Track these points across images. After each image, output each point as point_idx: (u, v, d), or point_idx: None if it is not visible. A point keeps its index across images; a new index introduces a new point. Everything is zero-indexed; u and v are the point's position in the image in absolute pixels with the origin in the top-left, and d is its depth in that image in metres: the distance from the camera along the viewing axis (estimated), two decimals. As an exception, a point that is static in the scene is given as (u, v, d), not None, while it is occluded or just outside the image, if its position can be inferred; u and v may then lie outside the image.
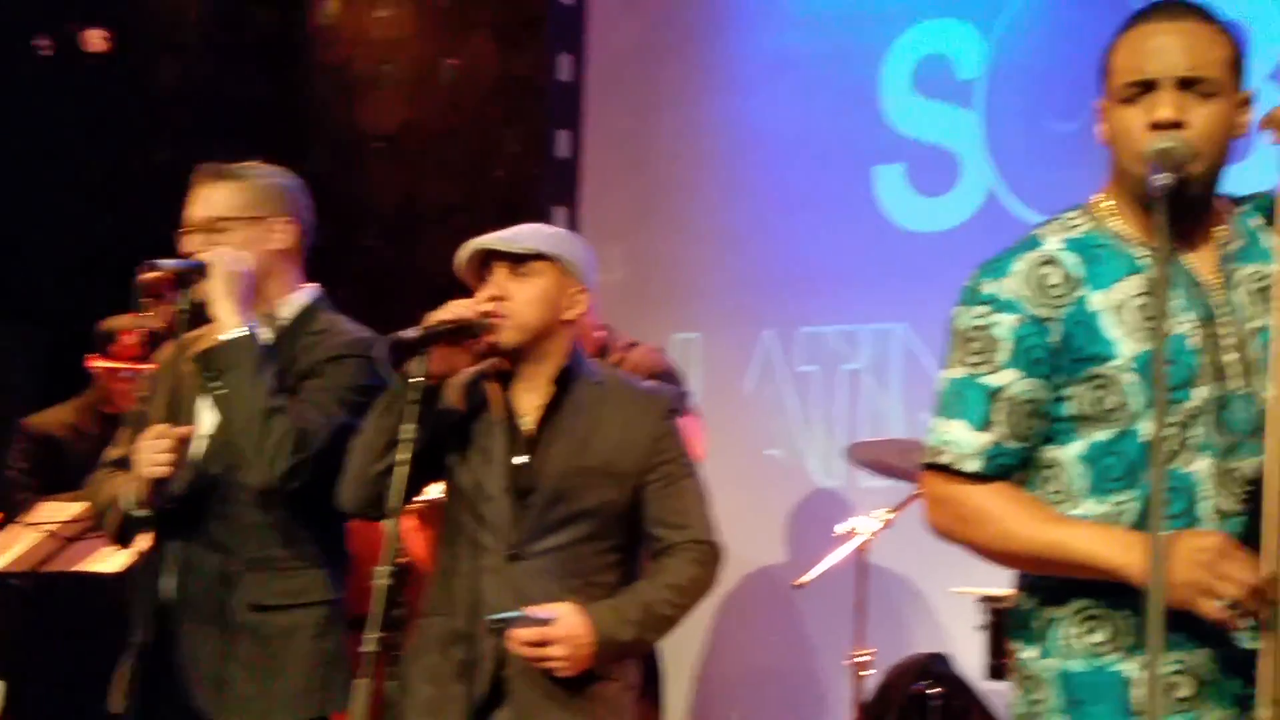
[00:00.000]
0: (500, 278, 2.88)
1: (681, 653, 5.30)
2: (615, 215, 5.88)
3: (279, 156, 3.29)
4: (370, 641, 2.66)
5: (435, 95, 6.01)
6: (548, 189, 5.89)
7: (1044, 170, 4.91)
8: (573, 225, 5.88)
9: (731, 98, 5.73)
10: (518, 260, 2.88)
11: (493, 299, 2.85)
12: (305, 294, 3.19)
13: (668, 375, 4.09)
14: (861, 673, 4.46)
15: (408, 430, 2.73)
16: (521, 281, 2.87)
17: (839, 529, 4.52)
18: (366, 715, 2.67)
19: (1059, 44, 4.85)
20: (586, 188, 5.98)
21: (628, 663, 2.92)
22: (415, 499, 3.01)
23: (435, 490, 2.98)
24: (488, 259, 2.90)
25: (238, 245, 3.05)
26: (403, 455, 2.73)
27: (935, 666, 4.70)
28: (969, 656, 4.46)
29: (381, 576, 2.69)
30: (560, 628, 2.74)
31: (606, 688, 2.85)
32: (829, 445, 5.21)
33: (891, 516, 4.40)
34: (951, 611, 4.92)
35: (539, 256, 2.89)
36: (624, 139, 5.90)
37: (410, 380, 2.77)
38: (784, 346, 5.54)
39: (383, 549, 2.70)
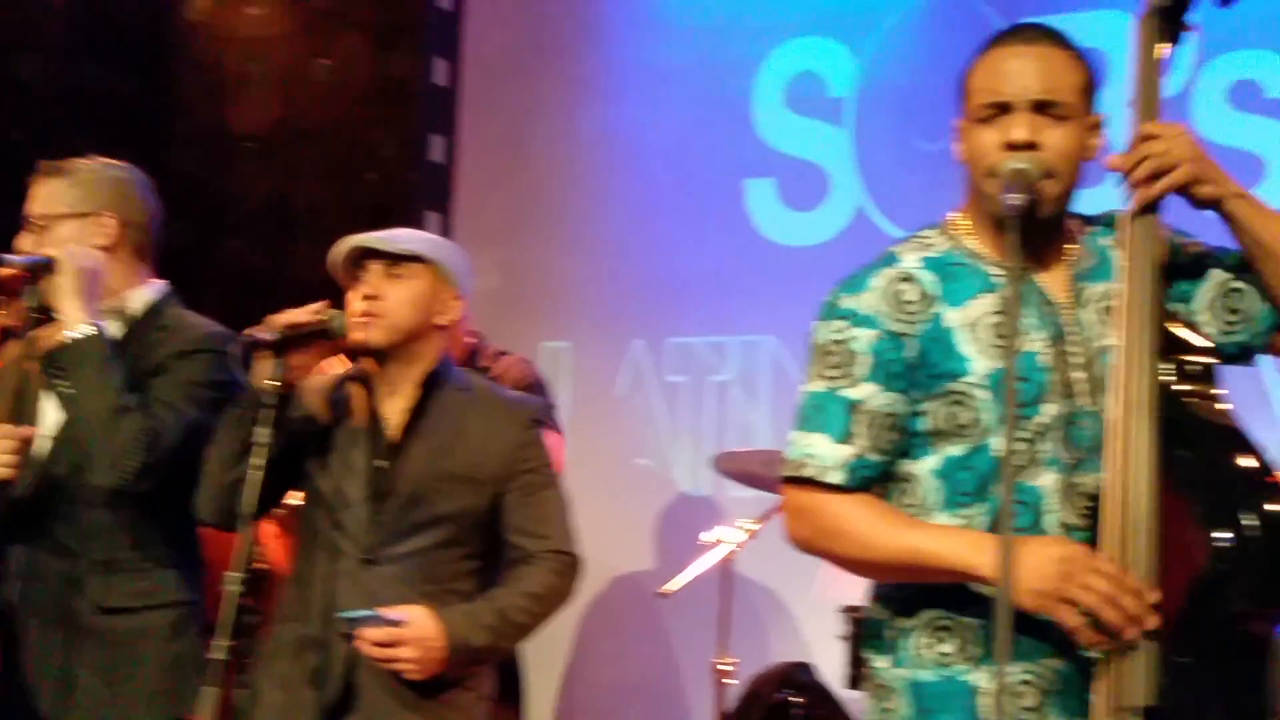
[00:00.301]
0: (375, 277, 2.86)
1: (546, 660, 5.28)
2: (489, 222, 5.86)
3: (145, 154, 3.24)
4: (219, 649, 2.63)
5: (307, 95, 5.92)
6: (421, 194, 5.83)
7: (911, 188, 4.98)
8: (446, 231, 5.84)
9: (606, 107, 5.74)
10: (394, 260, 2.87)
11: (367, 298, 2.84)
12: (152, 290, 3.14)
13: (536, 386, 4.08)
14: (724, 681, 4.48)
15: (262, 435, 2.70)
16: (396, 282, 2.87)
17: (704, 538, 4.55)
18: (214, 723, 2.64)
19: (927, 65, 4.91)
20: (460, 194, 5.93)
21: (484, 672, 2.91)
22: (275, 506, 2.97)
23: (297, 497, 2.95)
24: (362, 258, 2.88)
25: (66, 241, 3.00)
26: (257, 461, 2.70)
27: (798, 675, 4.74)
28: (831, 666, 4.51)
29: (232, 583, 2.66)
30: (412, 629, 2.72)
31: (460, 696, 2.85)
32: (697, 455, 5.24)
33: (756, 527, 4.44)
34: (814, 621, 4.98)
35: (416, 259, 2.88)
36: (499, 145, 5.88)
37: (265, 384, 2.74)
38: (654, 356, 5.56)
39: (234, 555, 2.67)
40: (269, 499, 2.81)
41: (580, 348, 5.68)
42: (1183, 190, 2.14)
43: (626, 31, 5.79)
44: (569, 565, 2.93)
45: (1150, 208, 2.15)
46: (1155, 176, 2.13)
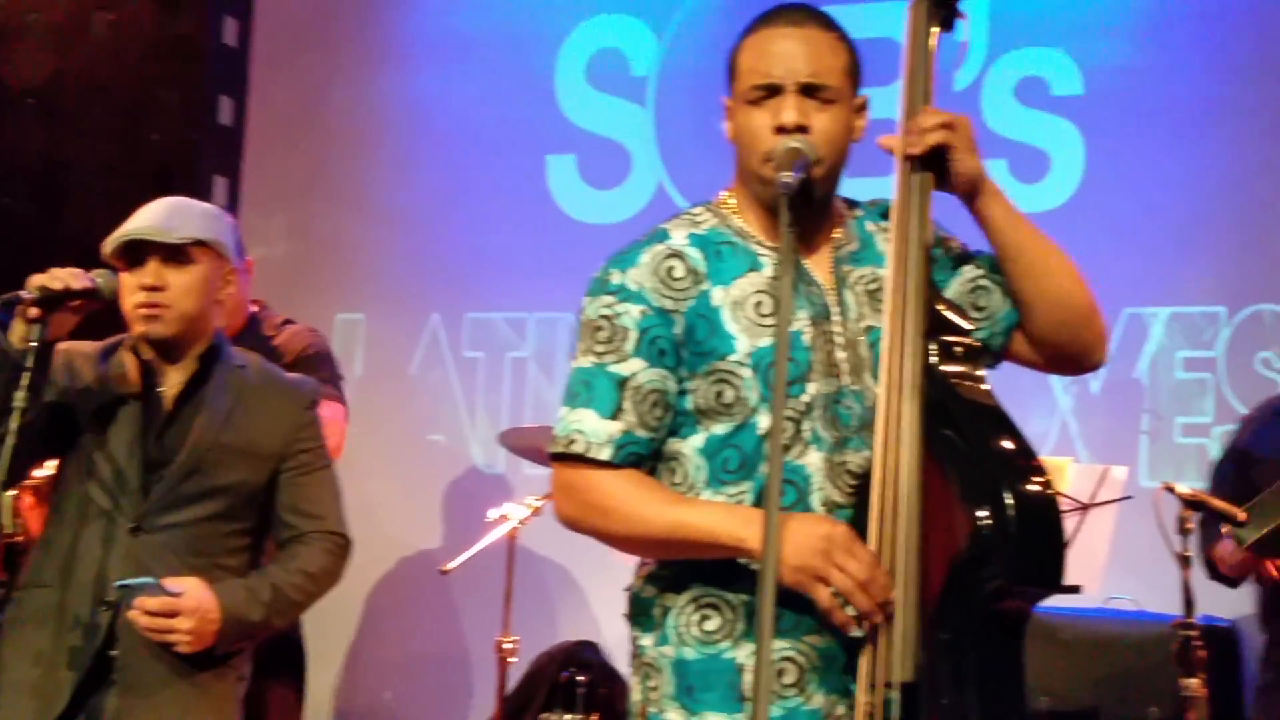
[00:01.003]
0: (156, 266, 2.80)
1: (330, 638, 5.20)
2: (279, 188, 5.71)
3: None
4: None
5: (87, 49, 5.66)
6: (208, 157, 5.65)
7: (711, 168, 4.91)
8: (234, 196, 5.69)
9: (406, 74, 5.64)
10: (174, 249, 2.80)
11: (148, 289, 2.78)
12: None
13: (321, 356, 3.97)
14: (508, 660, 4.45)
15: (18, 399, 2.59)
16: (179, 270, 2.81)
17: (491, 515, 4.51)
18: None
19: (727, 46, 4.94)
20: (249, 157, 5.77)
21: (242, 654, 2.87)
22: (29, 473, 2.86)
23: (51, 466, 2.84)
24: (138, 245, 2.80)
25: None
26: (11, 425, 2.58)
27: (583, 654, 4.75)
28: (619, 644, 4.51)
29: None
30: (187, 600, 2.69)
31: (219, 676, 2.80)
32: (492, 432, 5.19)
33: (540, 504, 4.41)
34: (602, 599, 4.99)
35: (196, 243, 2.82)
36: (291, 109, 5.73)
37: (21, 345, 2.63)
38: (451, 331, 5.50)
39: (-16, 522, 2.56)
40: (24, 465, 2.69)
41: (375, 320, 5.59)
42: (945, 167, 2.15)
43: (426, -1, 5.69)
44: (341, 547, 2.93)
45: (921, 191, 2.17)
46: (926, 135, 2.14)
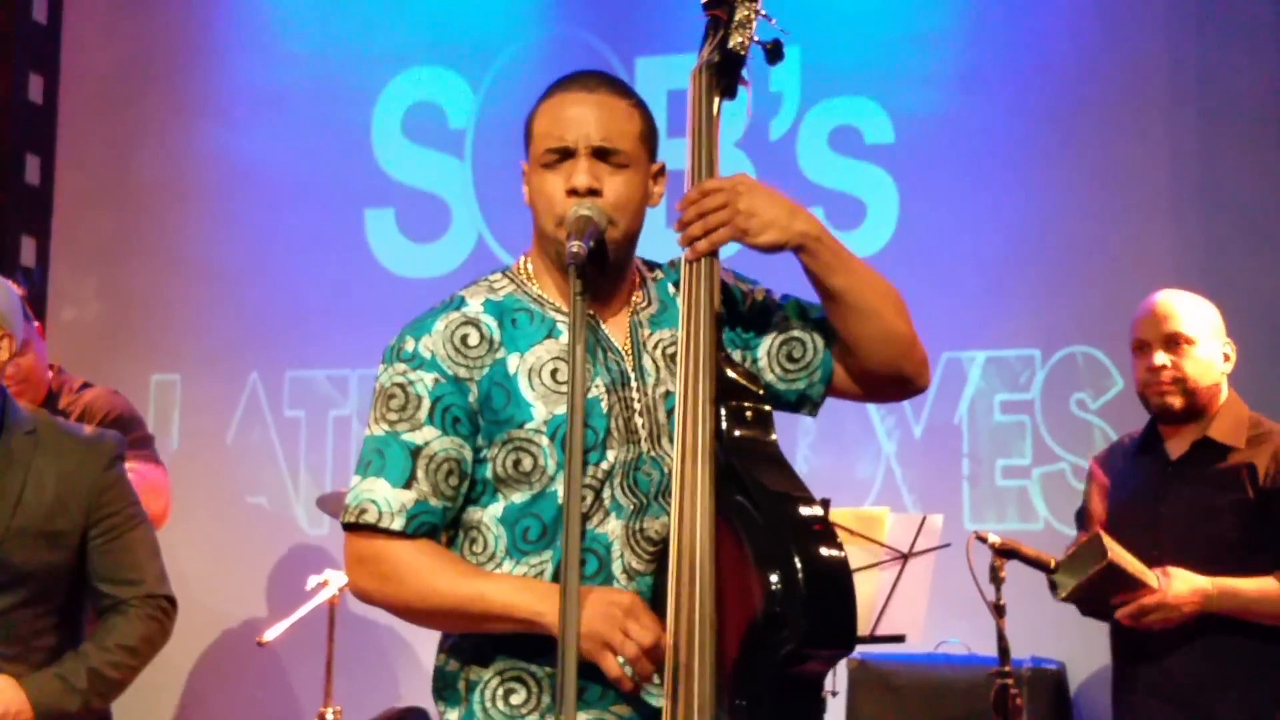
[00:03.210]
0: None
1: (153, 711, 5.02)
2: (90, 247, 5.56)
3: None
4: None
5: (-113, 109, 5.47)
6: (15, 216, 5.47)
7: (530, 221, 4.96)
8: (43, 256, 5.52)
9: (218, 130, 5.53)
10: None
11: None
12: None
13: (125, 419, 3.84)
14: (330, 731, 4.34)
15: None
16: None
17: (311, 582, 4.39)
18: None
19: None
20: (59, 216, 5.61)
21: None
22: None
23: None
24: None
25: None
26: None
27: (411, 720, 4.65)
28: (446, 708, 4.41)
29: None
30: None
31: None
32: (316, 493, 5.07)
33: (363, 568, 4.29)
34: (428, 665, 4.87)
35: None
36: (101, 167, 5.59)
37: None
38: (270, 390, 5.38)
39: None
40: None
41: (192, 380, 5.45)
42: (741, 241, 2.15)
43: (238, 54, 5.59)
44: (163, 609, 2.84)
45: (708, 263, 2.15)
46: (708, 233, 2.13)
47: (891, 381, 2.25)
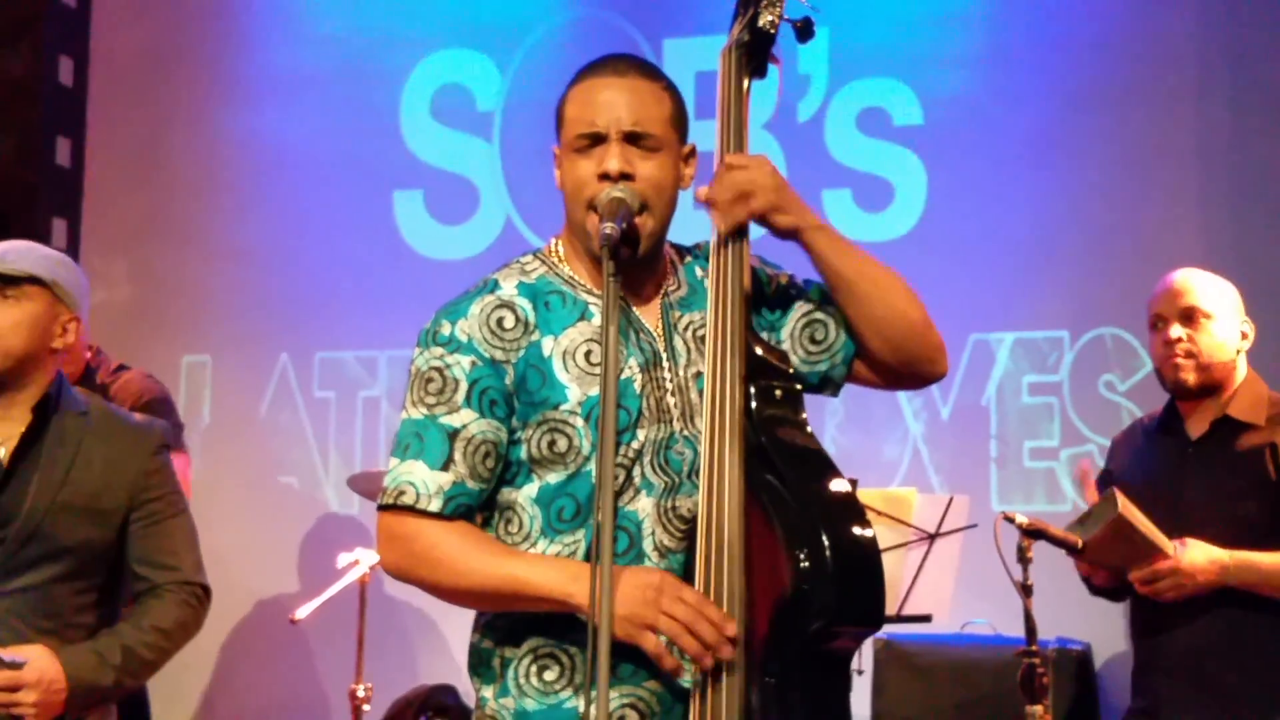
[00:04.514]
0: None
1: (182, 689, 5.08)
2: (121, 229, 5.59)
3: None
4: None
5: (-84, 93, 5.51)
6: (46, 199, 5.51)
7: (559, 202, 4.96)
8: (74, 238, 5.56)
9: (247, 112, 5.56)
10: (7, 282, 2.73)
11: None
12: None
13: (158, 403, 3.87)
14: (363, 707, 4.37)
15: None
16: (9, 305, 2.74)
17: (342, 560, 4.43)
18: None
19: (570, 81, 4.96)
20: (89, 199, 5.64)
21: (106, 710, 2.82)
22: None
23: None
24: None
25: None
26: None
27: (441, 698, 4.69)
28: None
29: None
30: (32, 672, 2.62)
31: None
32: (345, 473, 5.11)
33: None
34: (459, 641, 4.91)
35: (31, 280, 2.75)
36: (131, 149, 5.62)
37: None
38: (300, 371, 5.41)
39: None
40: None
41: (222, 362, 5.48)
42: (763, 219, 2.17)
43: (267, 36, 5.62)
44: (198, 597, 2.87)
45: (736, 236, 2.18)
46: (737, 206, 2.15)
47: (906, 366, 2.26)
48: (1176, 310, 3.37)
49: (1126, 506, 3.18)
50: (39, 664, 2.63)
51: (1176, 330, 3.35)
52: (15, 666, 2.61)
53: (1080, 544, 3.28)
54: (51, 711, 2.65)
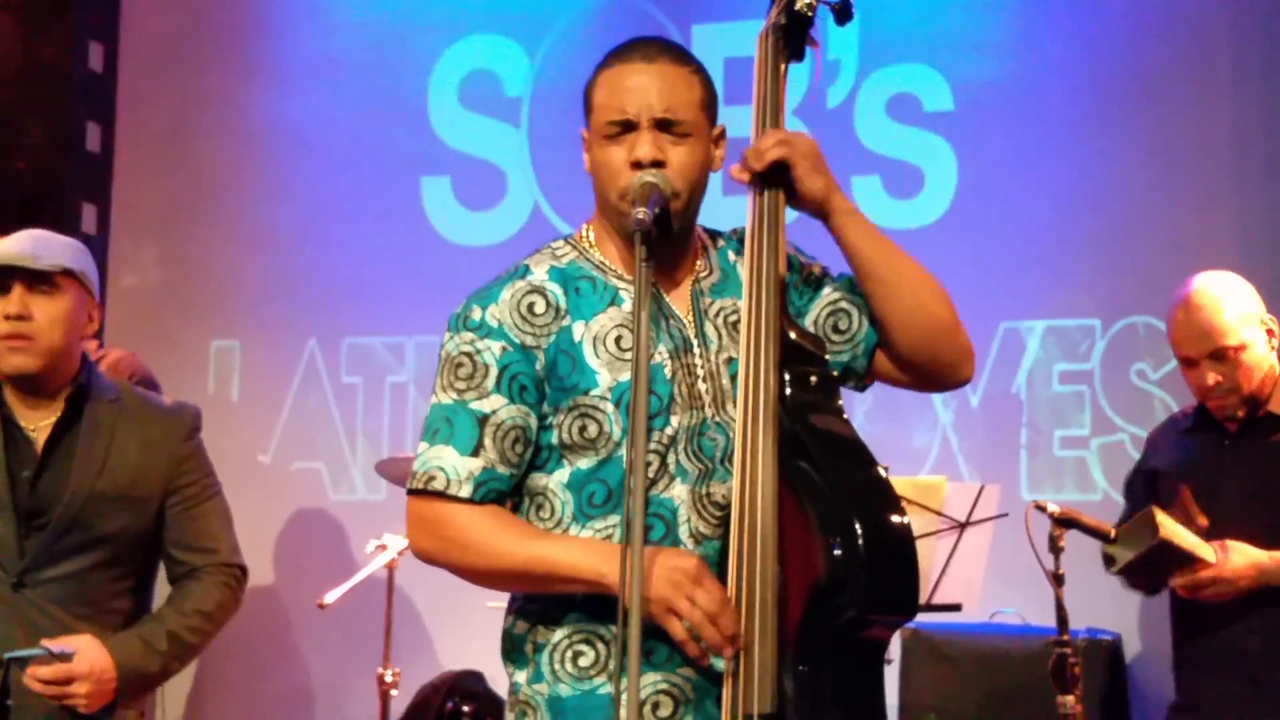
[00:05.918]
0: (20, 294, 2.72)
1: (210, 671, 5.09)
2: (150, 214, 5.60)
3: None
4: None
5: (-52, 77, 5.53)
6: (76, 184, 5.53)
7: (587, 188, 4.93)
8: (103, 223, 5.58)
9: (276, 98, 5.56)
10: (43, 278, 2.73)
11: (11, 318, 2.70)
12: None
13: (148, 382, 3.90)
14: (389, 692, 4.38)
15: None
16: (46, 300, 2.74)
17: (369, 546, 4.44)
18: None
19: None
20: (119, 184, 5.65)
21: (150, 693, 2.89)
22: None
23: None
24: (2, 273, 2.73)
25: None
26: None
27: (467, 683, 4.69)
28: (504, 673, 4.45)
29: None
30: (82, 663, 2.64)
31: (118, 715, 2.75)
32: (373, 458, 5.11)
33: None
34: (486, 627, 4.91)
35: (65, 272, 2.76)
36: (161, 135, 5.62)
37: None
38: (328, 357, 5.41)
39: None
40: None
41: (251, 347, 5.49)
42: (794, 180, 2.14)
43: (296, 21, 5.62)
44: (236, 578, 2.90)
45: (772, 221, 2.15)
46: (775, 148, 2.13)
47: (930, 365, 2.23)
48: (1205, 354, 3.32)
49: (1167, 529, 3.15)
50: (89, 654, 2.65)
51: (1212, 376, 3.31)
52: (65, 658, 2.62)
53: (1113, 533, 3.27)
54: (103, 700, 2.67)
